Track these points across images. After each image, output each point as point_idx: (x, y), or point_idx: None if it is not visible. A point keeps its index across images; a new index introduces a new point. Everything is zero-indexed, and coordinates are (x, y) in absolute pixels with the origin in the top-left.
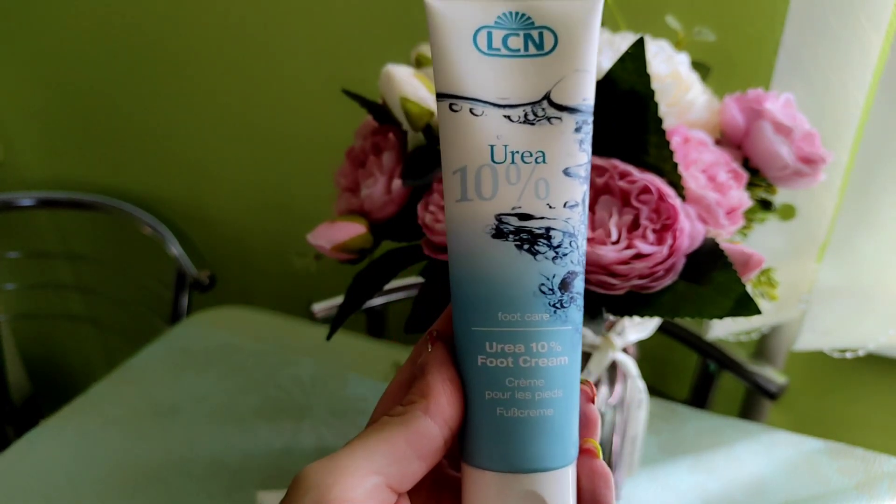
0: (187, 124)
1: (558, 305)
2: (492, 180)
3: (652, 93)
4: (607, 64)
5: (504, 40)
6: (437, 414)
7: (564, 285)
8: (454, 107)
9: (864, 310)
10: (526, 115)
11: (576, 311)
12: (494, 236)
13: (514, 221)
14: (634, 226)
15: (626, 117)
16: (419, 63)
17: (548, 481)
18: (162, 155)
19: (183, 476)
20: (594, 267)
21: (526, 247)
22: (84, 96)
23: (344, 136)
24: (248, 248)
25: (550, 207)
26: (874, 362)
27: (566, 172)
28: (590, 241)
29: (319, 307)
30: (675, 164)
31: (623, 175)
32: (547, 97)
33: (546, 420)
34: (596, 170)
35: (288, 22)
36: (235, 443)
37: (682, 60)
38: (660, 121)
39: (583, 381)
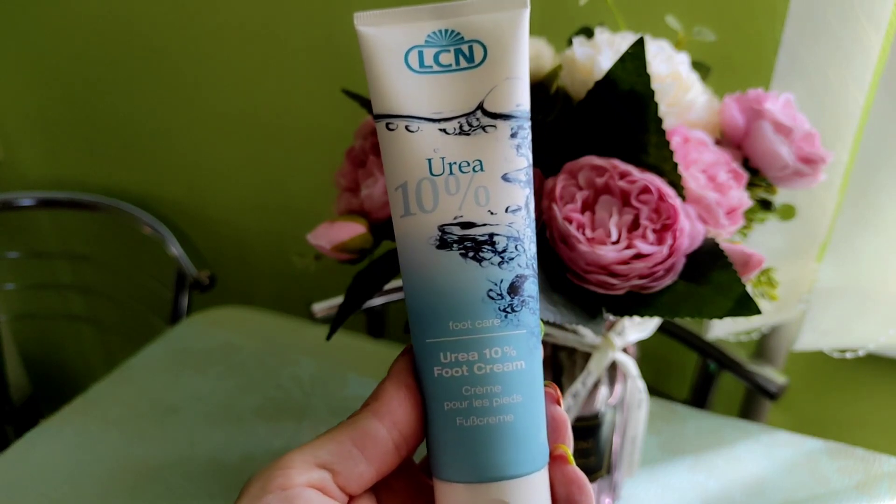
0: (187, 124)
1: (509, 310)
2: (432, 193)
3: (652, 93)
4: (607, 64)
5: (435, 57)
6: (386, 416)
7: (513, 289)
8: (390, 126)
9: (864, 310)
10: (461, 126)
11: (528, 314)
12: (439, 247)
13: (457, 230)
14: (634, 226)
15: (626, 117)
16: None
17: (517, 488)
18: (162, 155)
19: (183, 476)
20: (594, 267)
21: (471, 254)
22: (84, 96)
23: (344, 136)
24: (248, 248)
25: (492, 213)
26: (874, 362)
27: (505, 178)
28: (590, 241)
29: (319, 307)
30: (675, 164)
31: (623, 175)
32: (480, 107)
33: (507, 426)
34: (596, 170)
35: (287, 21)
36: (235, 443)
37: (682, 60)
38: (660, 121)
39: (547, 384)
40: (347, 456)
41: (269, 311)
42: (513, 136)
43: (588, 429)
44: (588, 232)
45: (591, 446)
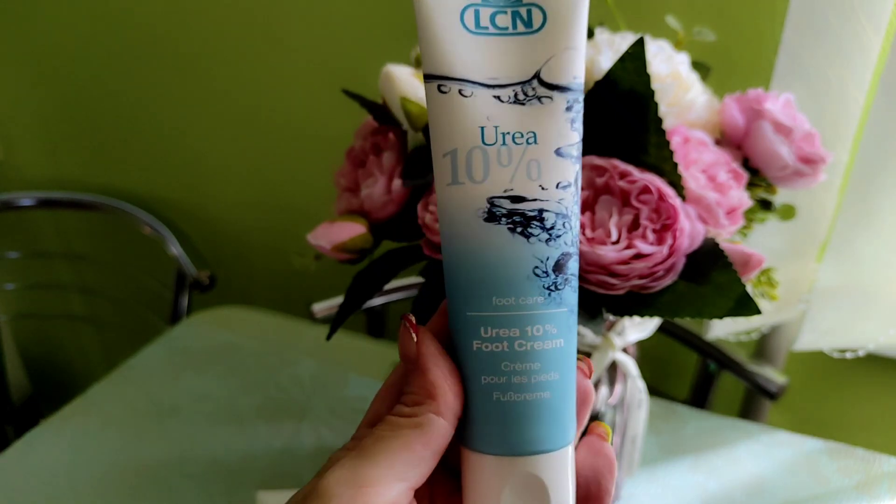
0: (187, 124)
1: (553, 288)
2: (483, 163)
3: (652, 93)
4: (607, 64)
5: (492, 18)
6: (447, 411)
7: (559, 267)
8: (443, 88)
9: (864, 310)
10: (516, 95)
11: (570, 292)
12: (487, 220)
13: (507, 204)
14: (634, 226)
15: (626, 117)
16: (419, 63)
17: (546, 463)
18: (162, 155)
19: (183, 476)
20: (594, 267)
21: (519, 230)
22: (84, 96)
23: (344, 136)
24: (248, 247)
25: (543, 189)
26: (874, 362)
27: (558, 153)
28: (590, 241)
29: (319, 307)
30: (675, 164)
31: (623, 175)
32: (537, 76)
33: (544, 403)
34: (596, 170)
35: (288, 22)
36: (235, 443)
37: (682, 60)
38: (660, 121)
39: (579, 358)
40: (420, 462)
41: (269, 311)
42: (568, 109)
43: None
44: (588, 232)
45: None
